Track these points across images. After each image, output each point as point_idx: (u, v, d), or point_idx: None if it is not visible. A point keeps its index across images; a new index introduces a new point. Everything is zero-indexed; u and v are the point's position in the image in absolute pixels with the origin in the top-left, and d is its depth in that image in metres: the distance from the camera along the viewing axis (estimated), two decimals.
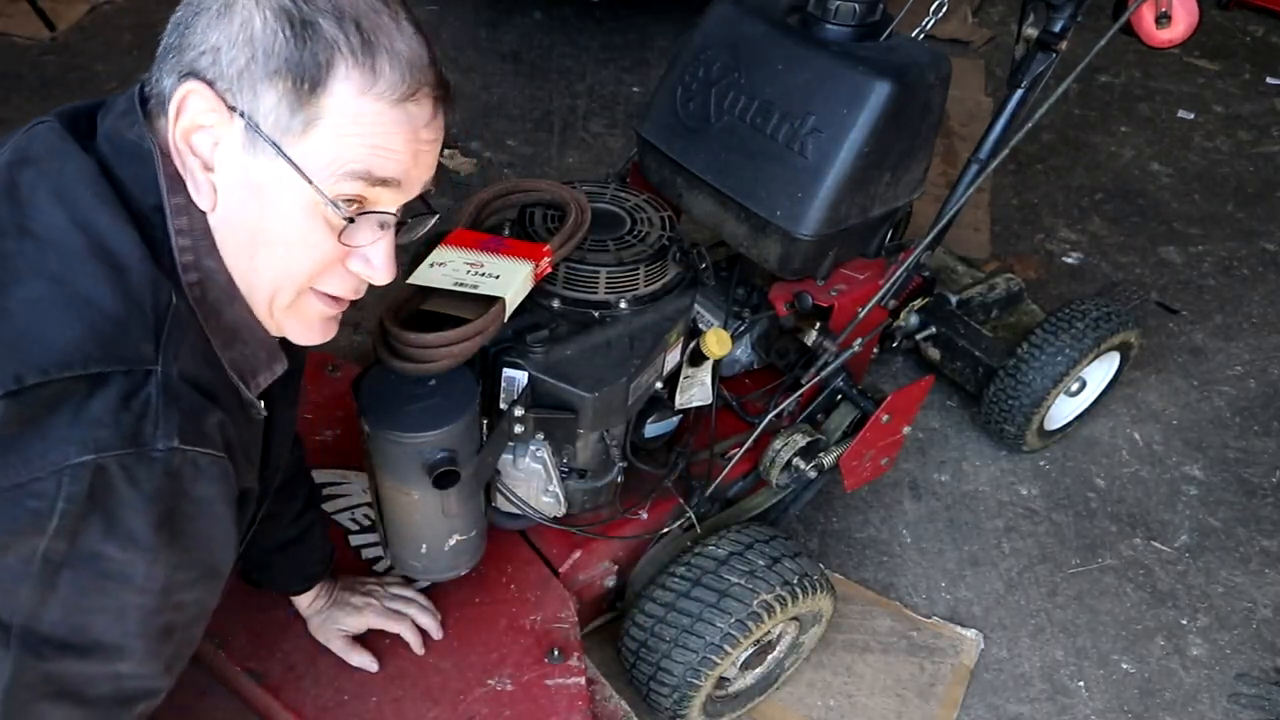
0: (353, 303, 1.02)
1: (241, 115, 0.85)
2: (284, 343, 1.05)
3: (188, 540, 0.85)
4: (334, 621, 1.51)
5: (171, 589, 0.86)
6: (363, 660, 1.49)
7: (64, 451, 0.77)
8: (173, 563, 0.84)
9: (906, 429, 1.92)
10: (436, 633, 1.55)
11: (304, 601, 1.51)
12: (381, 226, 0.93)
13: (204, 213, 0.90)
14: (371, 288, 1.01)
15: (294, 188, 0.86)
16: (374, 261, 0.94)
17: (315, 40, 0.83)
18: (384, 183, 0.89)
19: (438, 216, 1.03)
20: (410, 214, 0.99)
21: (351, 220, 0.89)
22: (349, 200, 0.88)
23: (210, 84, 0.85)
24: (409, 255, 1.50)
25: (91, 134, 0.92)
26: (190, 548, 0.86)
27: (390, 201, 0.92)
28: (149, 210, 0.88)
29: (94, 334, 0.82)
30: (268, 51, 0.83)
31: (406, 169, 0.91)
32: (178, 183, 0.89)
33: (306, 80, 0.83)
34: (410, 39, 0.88)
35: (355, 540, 1.69)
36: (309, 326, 0.99)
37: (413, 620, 1.54)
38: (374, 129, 0.87)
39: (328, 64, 0.84)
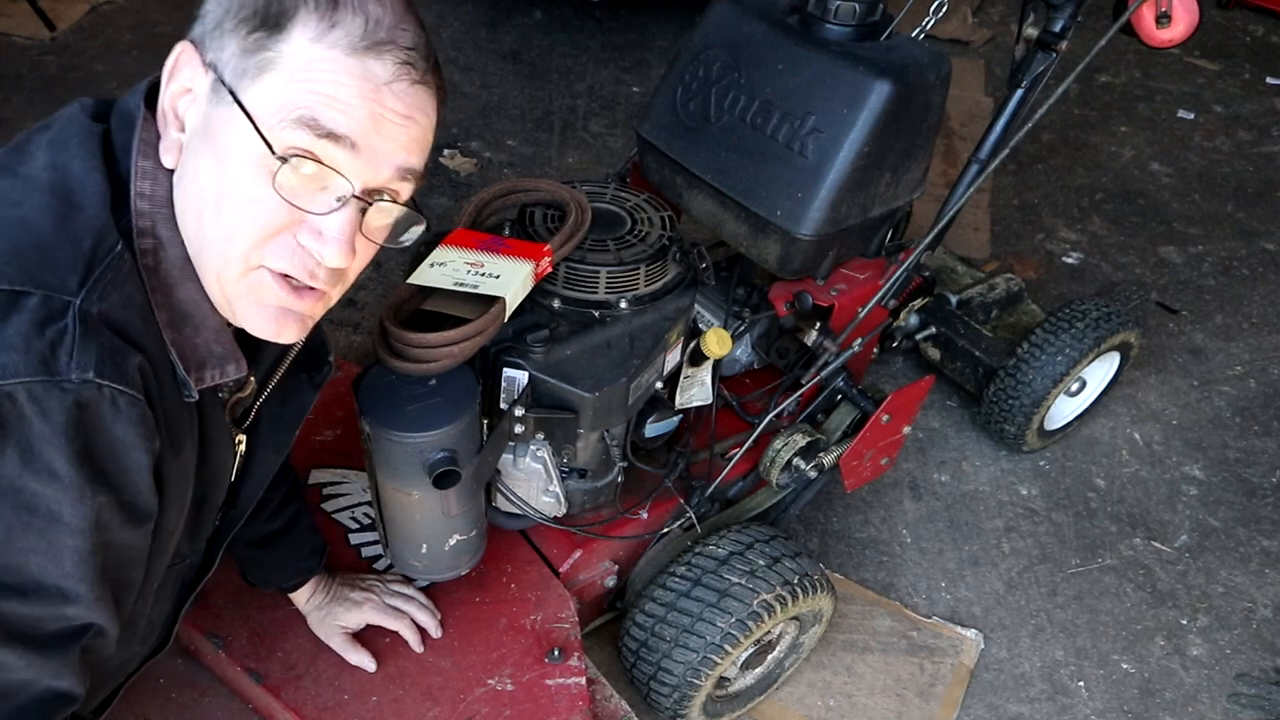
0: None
1: (211, 67, 0.86)
2: (294, 371, 1.06)
3: (111, 479, 0.83)
4: (333, 617, 1.51)
5: (102, 528, 0.83)
6: (361, 659, 1.49)
7: None
8: (100, 501, 0.82)
9: (906, 429, 1.92)
10: (436, 631, 1.55)
11: (301, 598, 1.51)
12: (338, 199, 0.87)
13: (170, 180, 0.89)
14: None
15: (242, 135, 0.84)
16: (326, 234, 0.88)
17: None
18: (334, 138, 0.84)
19: (425, 224, 0.97)
20: (402, 222, 0.95)
21: (284, 160, 0.83)
22: (298, 153, 0.84)
23: (194, 44, 0.87)
24: (409, 255, 1.50)
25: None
26: (115, 487, 0.84)
27: (347, 166, 0.86)
28: (126, 173, 0.88)
29: (16, 253, 0.81)
30: (241, 3, 0.84)
31: (363, 129, 0.85)
32: (150, 148, 0.89)
33: (267, 25, 0.83)
34: (386, 5, 0.86)
35: (355, 539, 1.69)
36: (262, 312, 0.92)
37: (412, 619, 1.54)
38: (325, 76, 0.83)
39: (290, 11, 0.83)
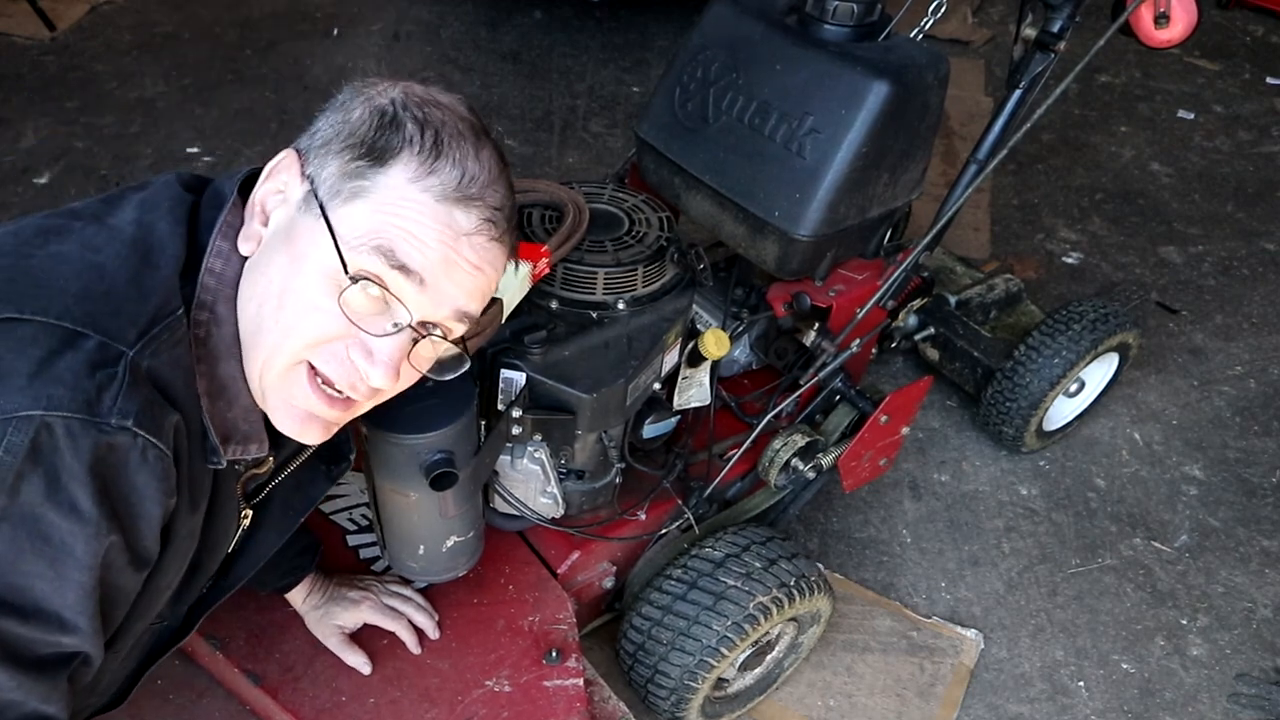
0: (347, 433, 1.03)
1: (309, 179, 0.93)
2: (313, 461, 1.12)
3: (124, 522, 0.85)
4: (330, 617, 1.51)
5: (106, 566, 0.86)
6: (357, 660, 1.49)
7: (16, 400, 0.78)
8: (111, 540, 0.84)
9: (905, 429, 1.92)
10: (433, 632, 1.55)
11: (298, 598, 1.51)
12: (394, 325, 0.93)
13: (241, 265, 0.95)
14: None
15: (321, 247, 0.90)
16: (375, 355, 0.93)
17: (394, 132, 0.91)
18: (405, 271, 0.90)
19: (470, 366, 1.03)
20: (441, 361, 1.00)
21: (355, 280, 0.89)
22: (368, 276, 0.89)
23: (300, 154, 0.95)
24: None
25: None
26: (127, 530, 0.86)
27: (411, 298, 0.92)
28: (204, 248, 0.94)
29: (88, 297, 0.85)
30: (352, 131, 0.92)
31: (433, 270, 0.92)
32: (232, 231, 0.96)
33: (370, 157, 0.91)
34: (484, 163, 0.94)
35: (353, 540, 1.69)
36: (291, 411, 0.97)
37: (409, 620, 1.54)
38: (411, 215, 0.90)
39: (395, 150, 0.91)
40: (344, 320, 0.90)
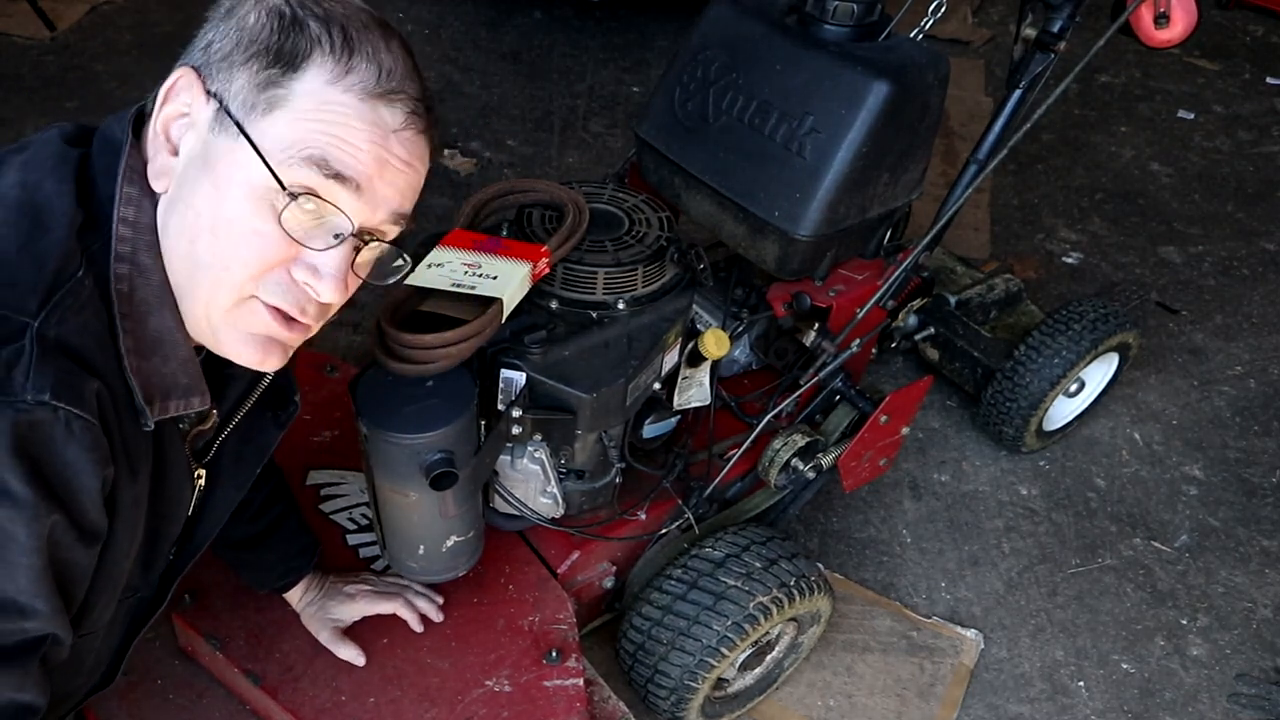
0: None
1: (215, 96, 0.87)
2: (258, 409, 1.08)
3: (62, 499, 0.82)
4: (325, 611, 1.50)
5: (54, 546, 0.83)
6: (350, 654, 1.48)
7: None
8: (53, 519, 0.82)
9: (905, 429, 1.92)
10: (436, 615, 1.54)
11: (295, 595, 1.51)
12: (335, 236, 0.89)
13: (154, 209, 0.90)
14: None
15: (246, 166, 0.85)
16: (321, 270, 0.90)
17: (299, 33, 0.86)
18: (341, 179, 0.87)
19: (409, 264, 0.99)
20: (385, 262, 0.97)
21: (294, 196, 0.85)
22: (304, 190, 0.86)
23: (196, 70, 0.88)
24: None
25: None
26: (67, 507, 0.83)
27: (349, 205, 0.88)
28: (105, 198, 0.89)
29: None
30: (252, 38, 0.86)
31: (368, 173, 0.88)
32: (138, 175, 0.90)
33: (280, 63, 0.85)
34: (395, 54, 0.90)
35: (353, 540, 1.69)
36: (247, 339, 0.93)
37: (408, 600, 1.53)
38: (337, 118, 0.86)
39: (305, 53, 0.85)
40: (286, 240, 0.87)
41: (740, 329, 1.93)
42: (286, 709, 1.43)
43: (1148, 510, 2.41)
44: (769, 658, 1.85)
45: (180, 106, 0.89)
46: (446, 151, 3.44)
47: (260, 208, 0.86)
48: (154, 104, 0.91)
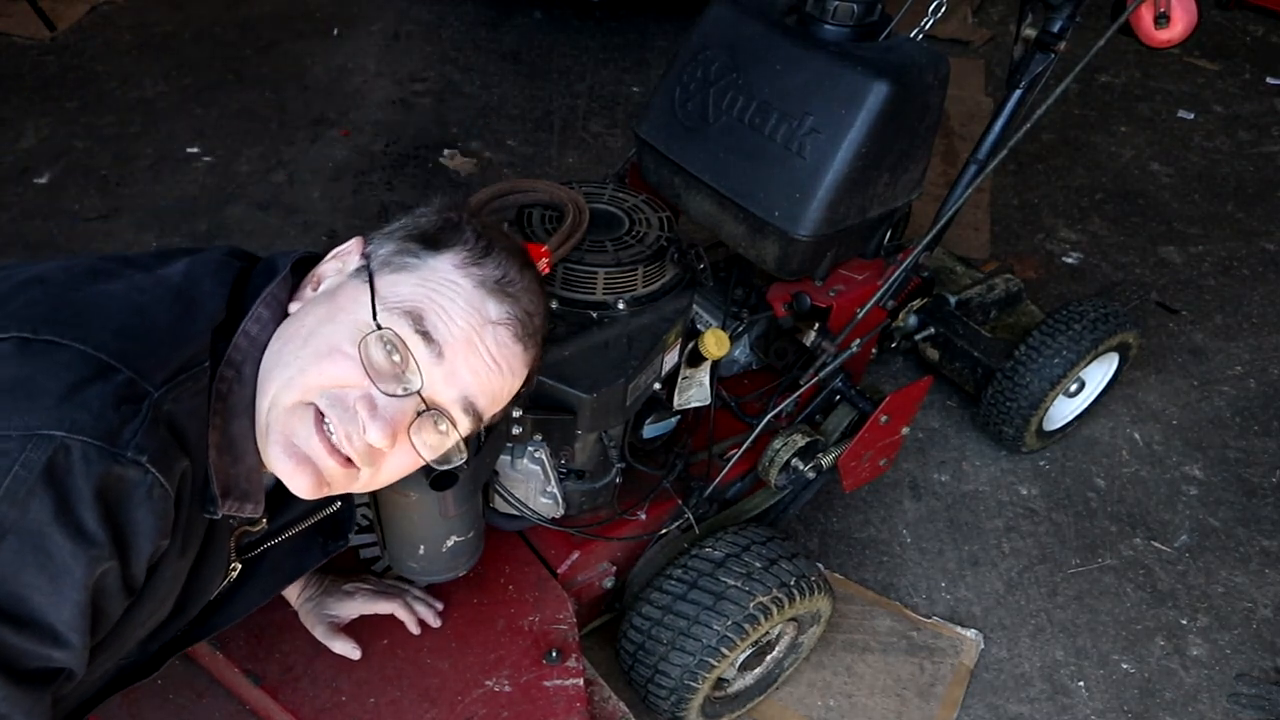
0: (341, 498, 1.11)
1: (366, 256, 1.03)
2: (313, 532, 1.20)
3: (121, 552, 0.87)
4: (323, 607, 1.50)
5: (101, 592, 0.88)
6: (345, 648, 1.48)
7: (41, 419, 0.80)
8: (109, 566, 0.86)
9: (905, 430, 1.92)
10: (434, 621, 1.54)
11: (293, 592, 1.51)
12: (404, 389, 0.96)
13: (273, 334, 1.00)
14: None
15: (359, 303, 0.97)
16: (379, 410, 0.96)
17: (454, 231, 1.02)
18: (427, 338, 0.96)
19: (465, 464, 1.07)
20: (448, 452, 1.04)
21: (380, 330, 0.94)
22: (392, 333, 0.95)
23: (365, 239, 1.05)
24: None
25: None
26: (122, 558, 0.88)
27: (425, 363, 0.96)
28: (244, 311, 1.01)
29: (125, 334, 0.89)
30: (417, 225, 1.04)
31: (454, 346, 0.97)
32: (277, 302, 1.03)
33: (426, 242, 1.01)
34: (525, 275, 1.03)
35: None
36: (290, 450, 0.98)
37: (406, 602, 1.54)
38: (448, 291, 0.98)
39: (450, 242, 1.02)
40: (359, 369, 0.95)
41: (740, 329, 1.93)
42: (286, 709, 1.43)
43: (1148, 510, 2.41)
44: (769, 658, 1.85)
45: (340, 261, 1.05)
46: (446, 151, 3.44)
47: (352, 334, 0.96)
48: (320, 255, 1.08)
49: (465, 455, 1.05)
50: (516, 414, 1.45)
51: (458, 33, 4.17)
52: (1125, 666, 2.08)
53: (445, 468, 1.07)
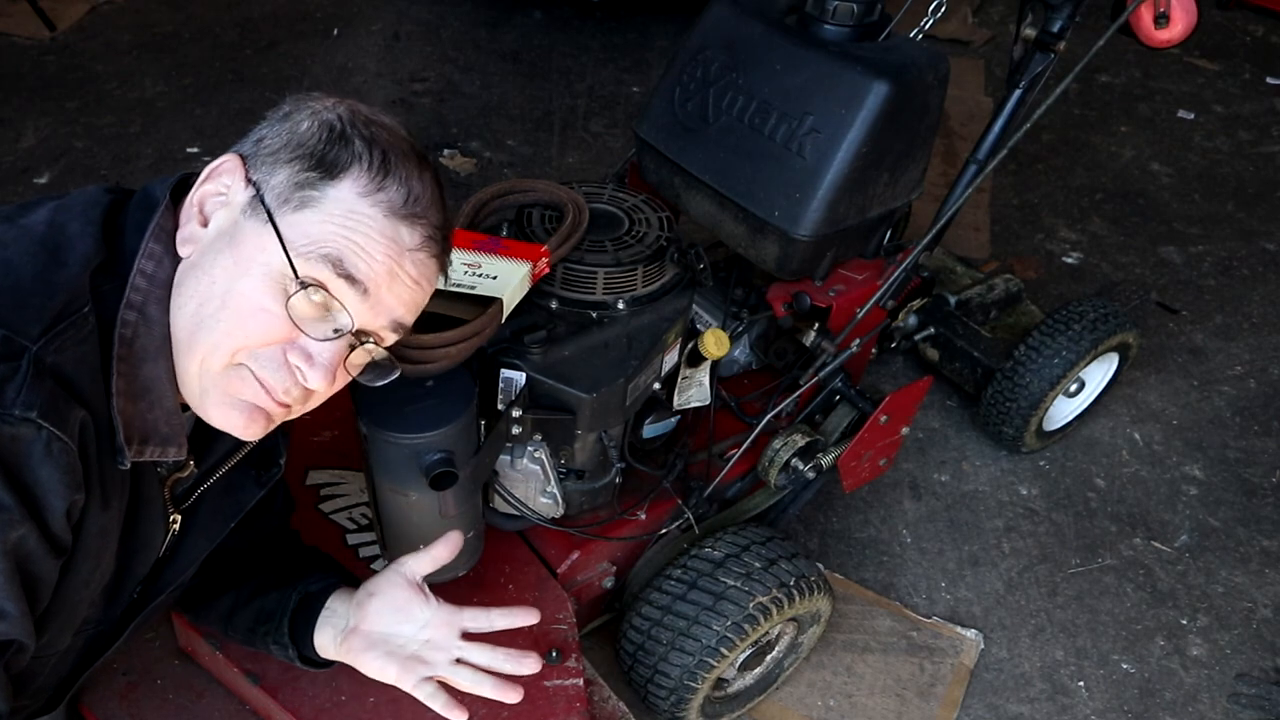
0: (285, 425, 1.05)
1: (254, 184, 0.95)
2: (243, 466, 1.15)
3: (33, 512, 0.85)
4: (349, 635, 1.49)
5: (27, 557, 0.86)
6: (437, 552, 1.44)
7: None
8: (25, 528, 0.84)
9: (905, 430, 1.92)
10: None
11: (330, 650, 1.50)
12: (335, 331, 0.95)
13: (173, 269, 0.96)
14: None
15: (268, 251, 0.92)
16: (315, 358, 0.95)
17: (344, 147, 0.95)
18: (351, 280, 0.93)
19: (399, 373, 1.05)
20: (377, 366, 1.03)
21: (305, 285, 0.91)
22: (315, 283, 0.92)
23: (243, 159, 0.98)
24: None
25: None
26: (37, 520, 0.86)
27: (353, 305, 0.95)
28: (129, 249, 0.95)
29: None
30: (300, 142, 0.96)
31: (378, 281, 0.95)
32: (166, 235, 0.97)
33: (321, 169, 0.94)
34: (425, 183, 0.98)
35: (353, 540, 1.69)
36: (230, 404, 0.97)
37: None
38: (360, 227, 0.94)
39: (345, 165, 0.95)
40: (288, 323, 0.93)
41: (740, 329, 1.93)
42: (286, 709, 1.43)
43: (1148, 510, 2.41)
44: (769, 658, 1.85)
45: (220, 186, 0.97)
46: (446, 151, 3.44)
47: (272, 289, 0.92)
48: (196, 178, 1.00)
49: (398, 371, 1.05)
50: (516, 414, 1.45)
51: (458, 33, 4.17)
52: (1125, 666, 2.08)
53: (379, 383, 1.05)
